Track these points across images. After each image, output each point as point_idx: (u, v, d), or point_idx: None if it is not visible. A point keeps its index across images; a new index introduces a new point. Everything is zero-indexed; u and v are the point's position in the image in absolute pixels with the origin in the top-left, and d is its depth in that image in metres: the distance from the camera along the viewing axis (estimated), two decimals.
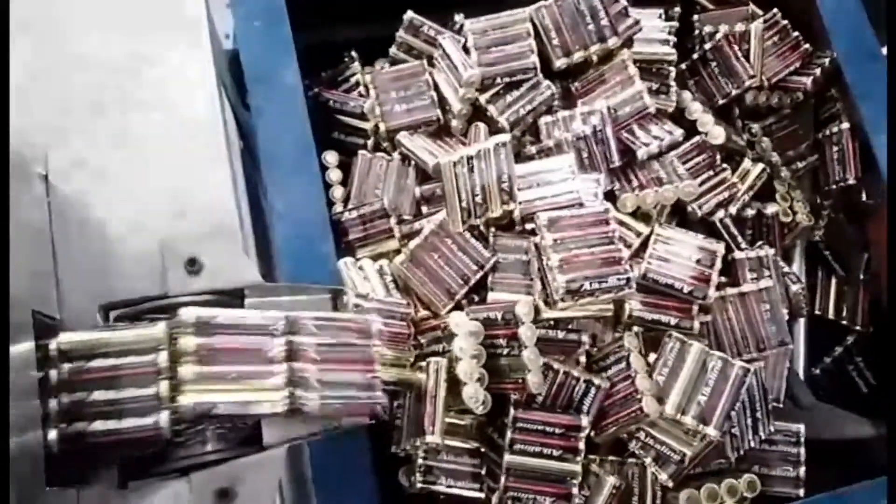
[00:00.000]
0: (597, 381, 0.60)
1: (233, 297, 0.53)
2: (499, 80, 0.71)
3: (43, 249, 0.49)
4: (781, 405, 0.69)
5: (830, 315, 0.81)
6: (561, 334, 0.62)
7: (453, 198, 0.63)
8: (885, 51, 0.77)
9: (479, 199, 0.63)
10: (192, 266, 0.51)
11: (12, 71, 0.53)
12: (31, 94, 0.53)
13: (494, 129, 0.72)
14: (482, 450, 0.61)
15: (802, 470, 0.66)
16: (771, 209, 0.76)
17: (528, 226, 0.66)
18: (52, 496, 0.43)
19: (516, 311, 0.57)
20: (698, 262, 0.66)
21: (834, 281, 0.82)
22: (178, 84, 0.54)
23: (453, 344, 0.57)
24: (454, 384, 0.57)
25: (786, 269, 0.75)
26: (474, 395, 0.56)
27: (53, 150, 0.51)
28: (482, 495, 0.60)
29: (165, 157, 0.53)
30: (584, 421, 0.58)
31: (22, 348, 0.42)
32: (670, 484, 0.63)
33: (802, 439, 0.67)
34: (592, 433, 0.61)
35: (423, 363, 0.57)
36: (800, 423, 0.67)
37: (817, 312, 0.81)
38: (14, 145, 0.49)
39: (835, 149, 0.77)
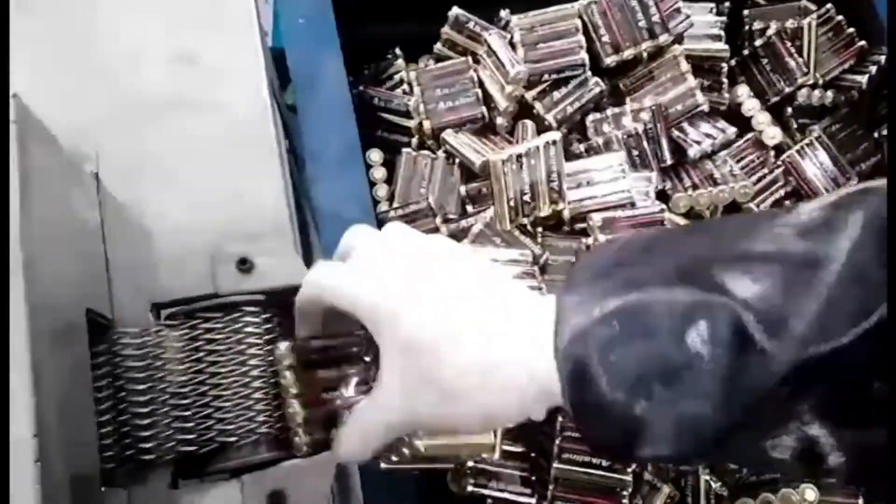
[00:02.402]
0: None
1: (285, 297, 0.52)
2: (546, 76, 0.70)
3: (95, 249, 0.48)
4: None
5: None
6: None
7: (502, 196, 0.62)
8: None
9: (527, 197, 0.62)
10: (243, 265, 0.50)
11: (64, 69, 0.53)
12: (82, 93, 0.52)
13: (541, 126, 0.71)
14: (532, 454, 0.60)
15: None
16: None
17: (578, 226, 0.64)
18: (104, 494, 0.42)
19: None
20: None
21: None
22: (231, 83, 0.54)
23: None
24: None
25: None
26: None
27: (105, 149, 0.51)
28: (533, 501, 0.58)
29: (217, 156, 0.52)
30: None
31: (77, 350, 0.41)
32: (725, 493, 0.61)
33: None
34: None
35: None
36: None
37: None
38: (66, 144, 0.49)
39: None
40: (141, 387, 0.46)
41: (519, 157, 0.61)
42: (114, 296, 0.49)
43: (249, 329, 0.51)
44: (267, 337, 0.51)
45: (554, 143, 0.62)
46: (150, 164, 0.52)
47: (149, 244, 0.50)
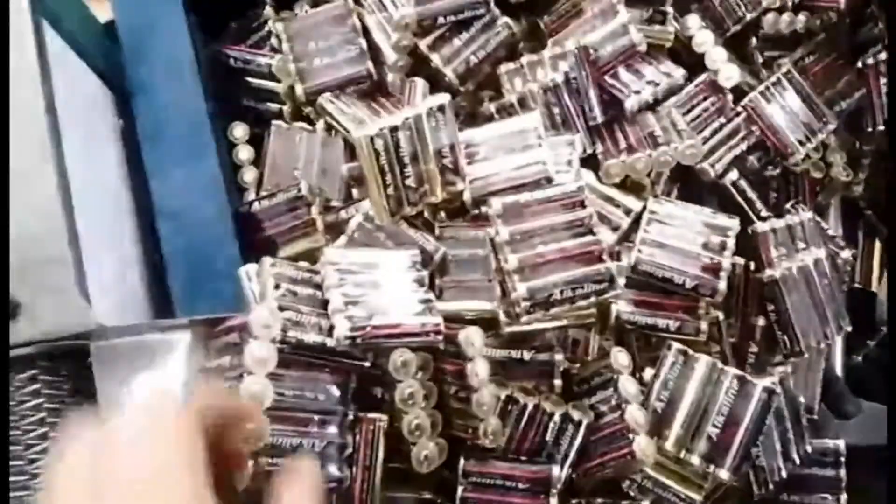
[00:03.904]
0: (576, 415, 0.46)
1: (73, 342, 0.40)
2: (441, 19, 0.55)
3: None
4: (816, 416, 0.55)
5: (874, 287, 0.67)
6: (528, 355, 0.48)
7: (376, 183, 0.48)
8: None
9: (411, 181, 0.48)
10: None
11: None
12: None
13: (443, 84, 0.57)
14: (438, 501, 0.48)
15: (844, 497, 0.53)
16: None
17: (485, 209, 0.51)
18: None
19: (460, 341, 0.43)
20: (705, 245, 0.51)
21: (878, 245, 0.67)
22: None
23: (396, 391, 0.44)
24: (397, 439, 0.44)
25: (831, 233, 0.62)
26: (427, 460, 0.44)
27: None
28: None
29: None
30: (556, 471, 0.45)
31: None
32: None
33: (843, 459, 0.53)
34: (574, 476, 0.47)
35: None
36: (839, 437, 0.54)
37: (857, 285, 0.67)
38: None
39: (882, 80, 0.61)
40: None
41: (394, 130, 0.47)
42: None
43: (23, 395, 0.39)
44: (49, 404, 0.39)
45: (441, 108, 0.48)
46: None
47: None
